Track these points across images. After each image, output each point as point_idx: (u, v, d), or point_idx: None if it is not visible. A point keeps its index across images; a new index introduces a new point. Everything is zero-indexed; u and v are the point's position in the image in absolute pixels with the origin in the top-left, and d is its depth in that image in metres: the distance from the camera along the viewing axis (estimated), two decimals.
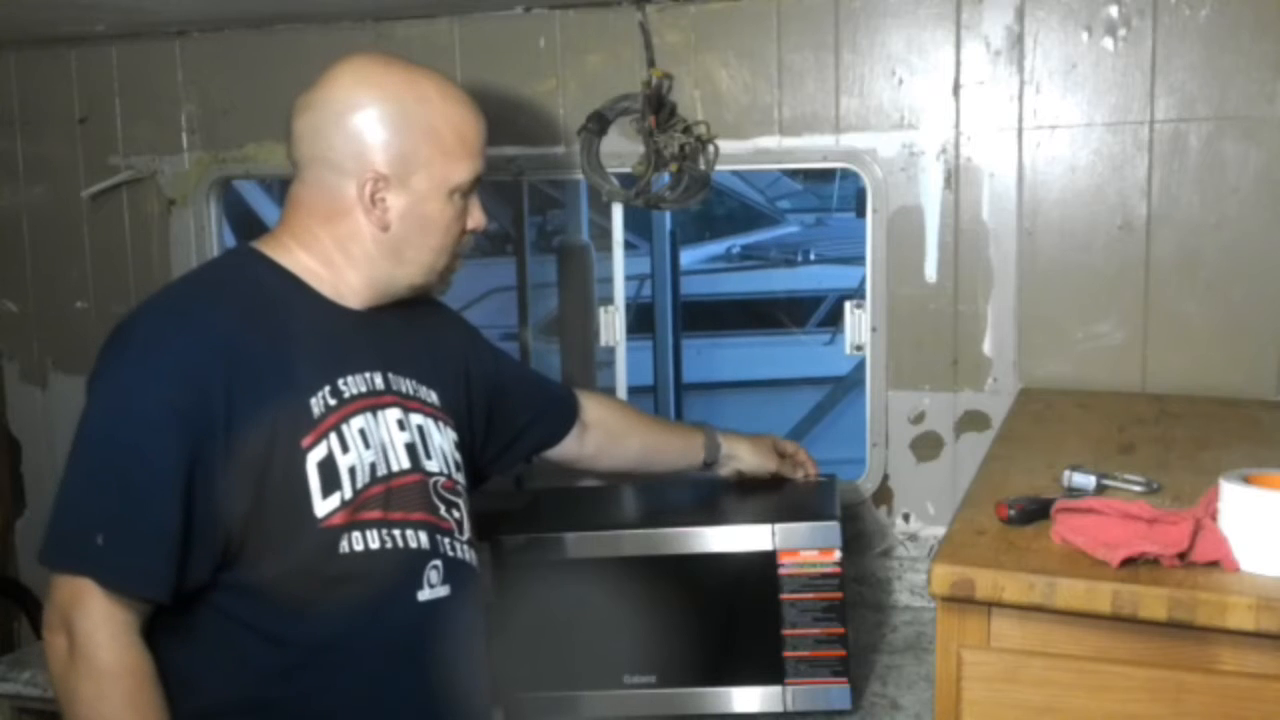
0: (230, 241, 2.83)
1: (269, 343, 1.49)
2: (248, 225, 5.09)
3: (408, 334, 1.68)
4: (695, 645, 1.87)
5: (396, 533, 1.53)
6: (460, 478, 1.68)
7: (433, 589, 1.56)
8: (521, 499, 2.18)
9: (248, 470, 1.42)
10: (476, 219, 1.63)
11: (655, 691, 1.88)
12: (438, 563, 1.57)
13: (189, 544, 1.40)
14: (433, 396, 1.68)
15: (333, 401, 1.51)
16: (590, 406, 1.99)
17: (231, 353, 1.44)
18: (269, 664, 1.48)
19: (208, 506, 1.41)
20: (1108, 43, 2.10)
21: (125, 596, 1.39)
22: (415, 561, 1.55)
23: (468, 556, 1.64)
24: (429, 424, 1.64)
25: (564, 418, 1.96)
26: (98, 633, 1.38)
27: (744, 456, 2.05)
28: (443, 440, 1.66)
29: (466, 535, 1.65)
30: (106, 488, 1.41)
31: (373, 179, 1.52)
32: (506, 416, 1.86)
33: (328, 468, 1.47)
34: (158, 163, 2.65)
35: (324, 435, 1.48)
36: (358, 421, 1.52)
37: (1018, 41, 2.15)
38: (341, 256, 1.57)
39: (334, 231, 1.56)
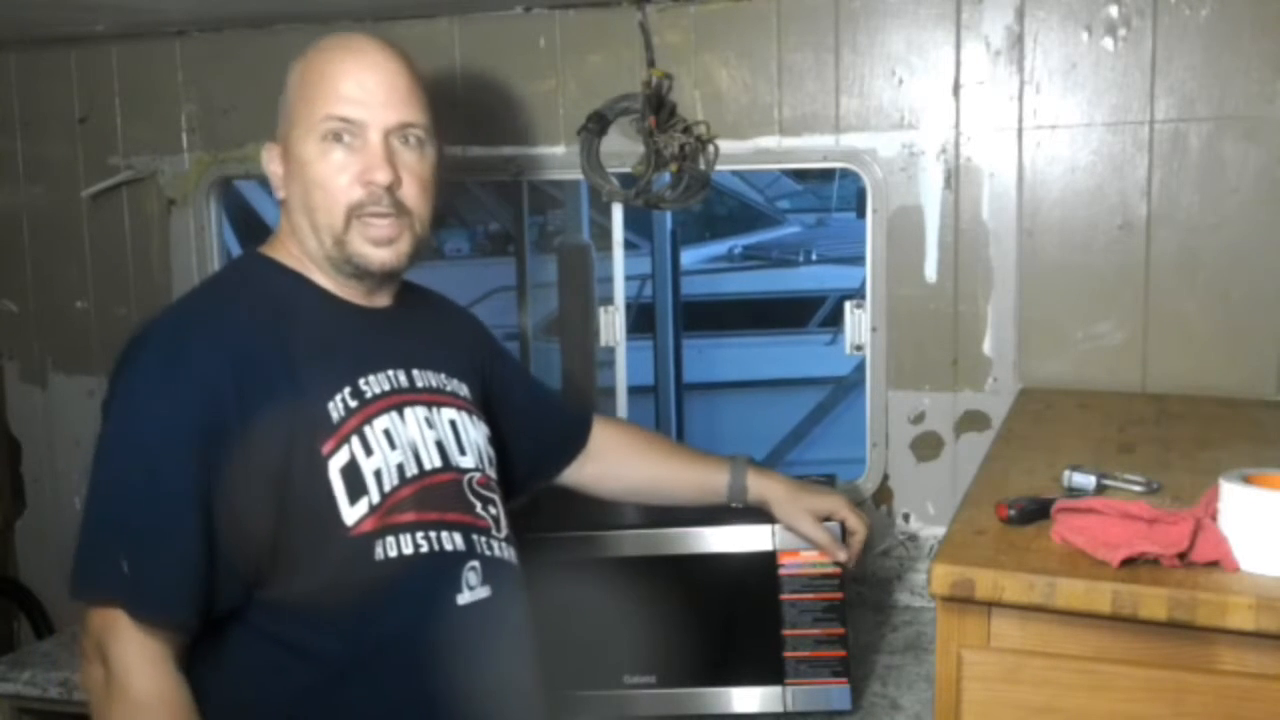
0: (231, 241, 2.84)
1: (283, 349, 1.45)
2: (248, 225, 5.09)
3: (429, 329, 1.64)
4: (695, 645, 1.87)
5: (432, 534, 1.48)
6: (494, 473, 1.62)
7: (472, 591, 1.50)
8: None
9: (268, 482, 1.39)
10: (371, 170, 1.47)
11: (655, 691, 1.88)
12: (475, 564, 1.51)
13: (215, 565, 1.37)
14: (464, 389, 1.62)
15: (353, 403, 1.46)
16: (598, 435, 1.90)
17: (244, 364, 1.40)
18: (311, 681, 1.43)
19: (231, 524, 1.37)
20: (1108, 43, 2.10)
21: (154, 626, 1.35)
22: (452, 564, 1.49)
23: (506, 554, 1.58)
24: (462, 418, 1.59)
25: (568, 448, 1.88)
26: (132, 662, 1.34)
27: (776, 507, 1.84)
28: (476, 435, 1.60)
29: (504, 532, 1.59)
30: (128, 513, 1.37)
31: (268, 150, 1.54)
32: (507, 436, 1.74)
33: (351, 473, 1.43)
34: (158, 163, 2.65)
35: (345, 439, 1.43)
36: (382, 422, 1.47)
37: (1018, 41, 2.14)
38: (297, 243, 1.53)
39: (285, 220, 1.55)
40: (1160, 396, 2.08)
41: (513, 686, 1.57)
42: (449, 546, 1.49)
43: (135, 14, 2.35)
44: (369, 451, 1.45)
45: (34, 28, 2.51)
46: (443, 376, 1.59)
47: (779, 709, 1.86)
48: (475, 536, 1.53)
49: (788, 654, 1.85)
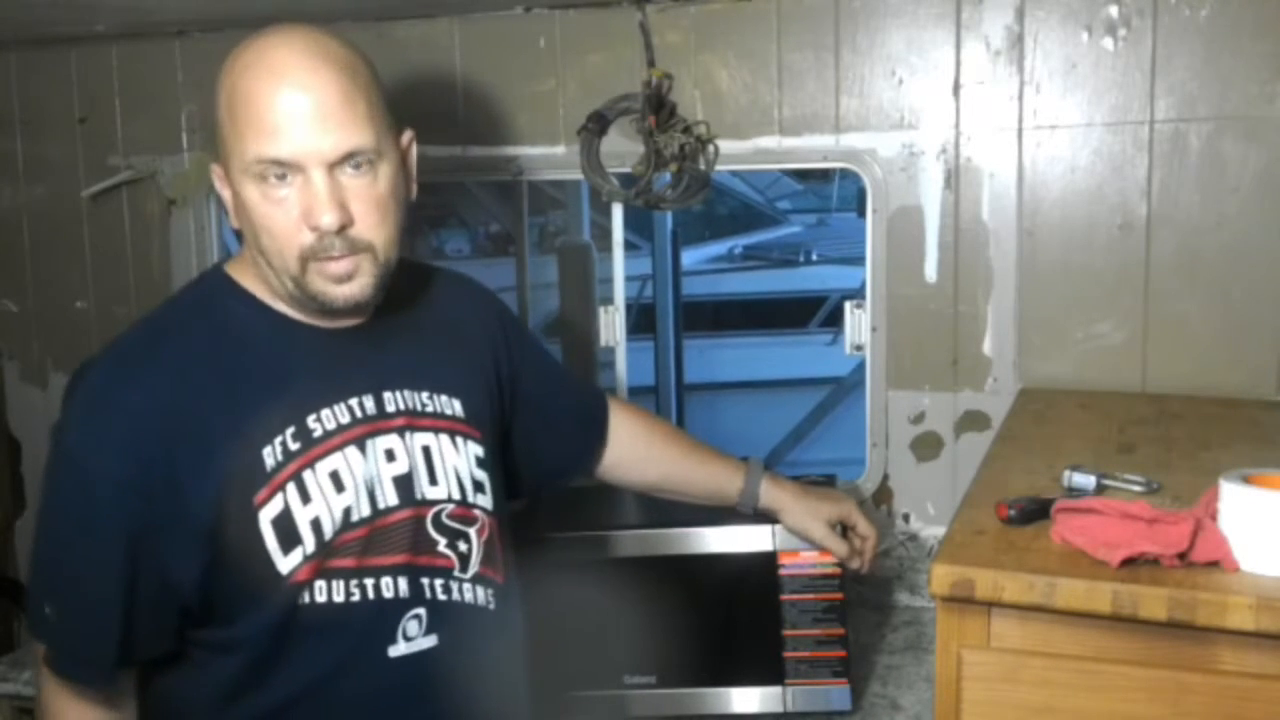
0: (231, 241, 2.83)
1: (226, 391, 1.35)
2: None
3: (418, 336, 1.50)
4: (695, 646, 1.87)
5: (369, 581, 1.38)
6: (481, 499, 1.49)
7: (410, 642, 1.40)
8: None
9: (198, 535, 1.32)
10: (316, 214, 1.31)
11: (655, 691, 1.88)
12: (420, 611, 1.41)
13: (136, 617, 1.34)
14: (454, 406, 1.48)
15: (295, 446, 1.35)
16: (614, 424, 1.80)
17: (178, 412, 1.33)
18: None
19: (156, 576, 1.33)
20: (1108, 43, 2.10)
21: (67, 679, 1.36)
22: (387, 613, 1.39)
23: (471, 596, 1.46)
24: (441, 441, 1.46)
25: (588, 441, 1.79)
26: (52, 700, 1.38)
27: (786, 515, 1.81)
28: (458, 458, 1.47)
29: (472, 570, 1.46)
30: (54, 562, 1.36)
31: (215, 172, 1.40)
32: (521, 432, 1.66)
33: (284, 524, 1.34)
34: (158, 163, 2.65)
35: (279, 489, 1.34)
36: (329, 464, 1.37)
37: (1018, 41, 2.14)
38: (259, 271, 1.40)
39: (244, 247, 1.42)
40: (1160, 396, 2.08)
41: None
42: (388, 594, 1.39)
43: (135, 14, 2.35)
44: (306, 499, 1.35)
45: (34, 28, 2.51)
46: (424, 395, 1.46)
47: (779, 709, 1.85)
48: (427, 580, 1.42)
49: (788, 654, 1.85)
